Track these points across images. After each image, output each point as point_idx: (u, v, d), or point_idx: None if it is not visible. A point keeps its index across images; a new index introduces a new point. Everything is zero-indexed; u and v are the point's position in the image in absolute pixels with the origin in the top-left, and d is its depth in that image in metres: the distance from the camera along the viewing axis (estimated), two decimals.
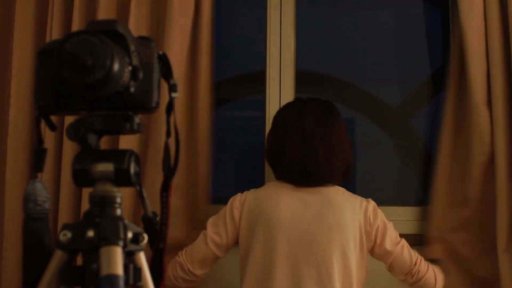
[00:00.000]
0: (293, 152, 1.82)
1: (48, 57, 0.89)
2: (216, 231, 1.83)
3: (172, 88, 0.97)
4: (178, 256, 1.86)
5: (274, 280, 1.72)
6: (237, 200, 1.85)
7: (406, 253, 1.86)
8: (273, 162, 1.91)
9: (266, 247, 1.76)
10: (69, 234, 0.92)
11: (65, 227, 0.92)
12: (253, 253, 1.78)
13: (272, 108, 2.22)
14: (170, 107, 0.99)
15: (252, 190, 1.89)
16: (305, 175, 1.82)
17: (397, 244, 1.85)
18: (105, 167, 0.92)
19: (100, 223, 0.90)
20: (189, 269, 1.83)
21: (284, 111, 1.93)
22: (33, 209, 0.98)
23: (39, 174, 0.98)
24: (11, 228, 1.97)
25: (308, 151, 1.81)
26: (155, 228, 1.01)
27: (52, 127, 0.97)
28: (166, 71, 0.97)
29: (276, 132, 1.91)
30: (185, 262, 1.84)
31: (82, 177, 0.93)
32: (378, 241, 1.81)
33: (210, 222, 1.86)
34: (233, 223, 1.83)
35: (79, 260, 0.93)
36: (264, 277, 1.75)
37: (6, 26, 2.10)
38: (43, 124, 0.96)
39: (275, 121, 1.94)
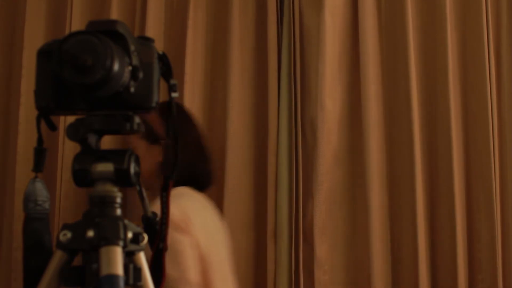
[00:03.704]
0: (204, 159, 1.61)
1: (48, 57, 0.89)
2: None
3: (172, 88, 0.97)
4: None
5: None
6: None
7: None
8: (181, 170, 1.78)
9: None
10: (69, 234, 0.92)
11: (65, 227, 0.92)
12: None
13: None
14: (170, 107, 0.99)
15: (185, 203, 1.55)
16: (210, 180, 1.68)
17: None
18: (105, 167, 0.92)
19: (100, 223, 0.90)
20: None
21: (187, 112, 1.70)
22: (33, 209, 0.98)
23: (39, 174, 0.98)
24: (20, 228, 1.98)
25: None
26: (155, 228, 1.01)
27: (52, 127, 0.97)
28: (166, 71, 0.97)
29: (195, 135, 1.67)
30: None
31: (82, 177, 0.93)
32: None
33: None
34: None
35: (79, 260, 0.93)
36: None
37: (17, 24, 2.12)
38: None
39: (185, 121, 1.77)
